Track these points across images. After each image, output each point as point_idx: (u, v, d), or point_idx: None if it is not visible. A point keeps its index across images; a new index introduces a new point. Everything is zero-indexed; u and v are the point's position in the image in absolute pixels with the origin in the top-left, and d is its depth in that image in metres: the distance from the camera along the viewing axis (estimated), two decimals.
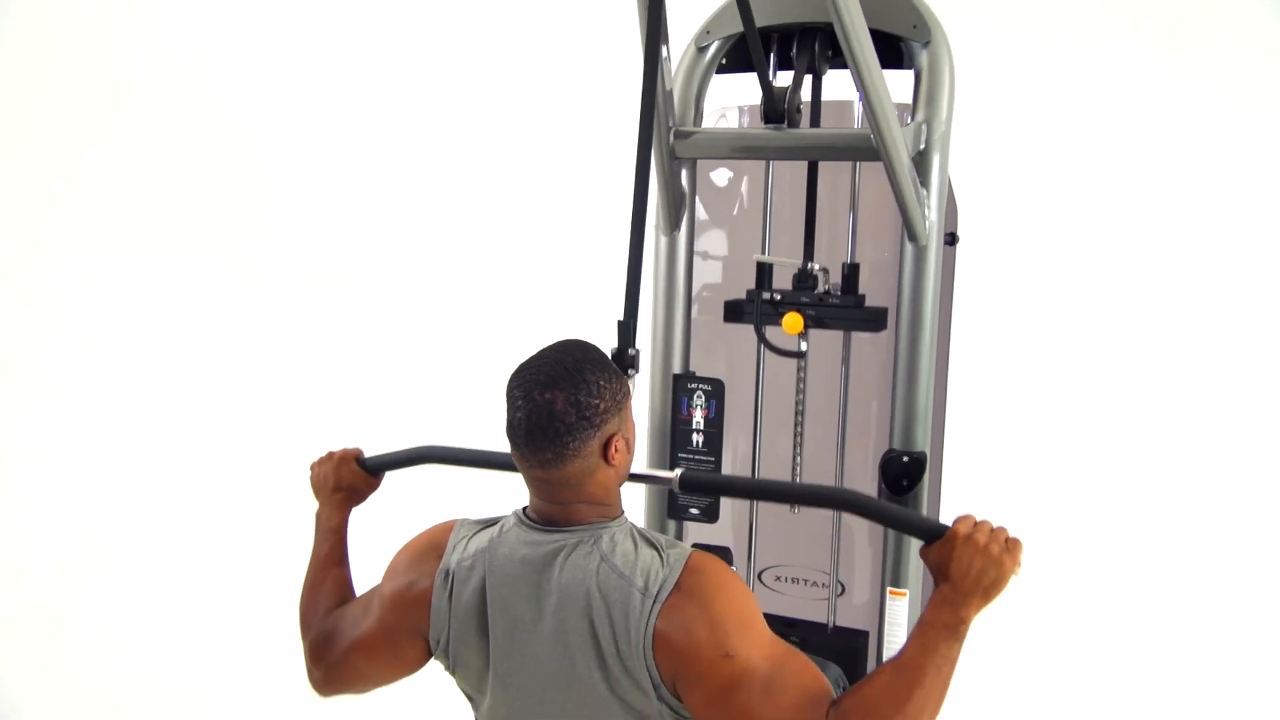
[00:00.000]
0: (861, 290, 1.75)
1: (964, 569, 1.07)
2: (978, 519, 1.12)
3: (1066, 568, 3.16)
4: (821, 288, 1.73)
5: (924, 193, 1.59)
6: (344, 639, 1.31)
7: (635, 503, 1.74)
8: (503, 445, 1.21)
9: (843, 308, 1.72)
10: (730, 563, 1.82)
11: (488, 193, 4.17)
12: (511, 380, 1.15)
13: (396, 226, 4.51)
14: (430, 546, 1.26)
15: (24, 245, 4.58)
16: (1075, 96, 3.09)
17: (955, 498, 1.79)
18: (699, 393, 1.76)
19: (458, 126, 4.18)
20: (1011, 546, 1.09)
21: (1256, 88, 3.05)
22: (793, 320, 1.69)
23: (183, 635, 3.42)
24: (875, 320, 1.72)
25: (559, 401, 1.09)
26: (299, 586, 1.43)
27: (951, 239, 1.71)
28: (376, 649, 1.28)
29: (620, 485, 1.21)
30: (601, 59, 3.12)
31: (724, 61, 1.74)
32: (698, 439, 1.77)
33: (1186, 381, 3.29)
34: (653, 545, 1.15)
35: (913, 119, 1.61)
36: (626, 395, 1.19)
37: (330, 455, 1.47)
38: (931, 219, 1.60)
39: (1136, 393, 3.27)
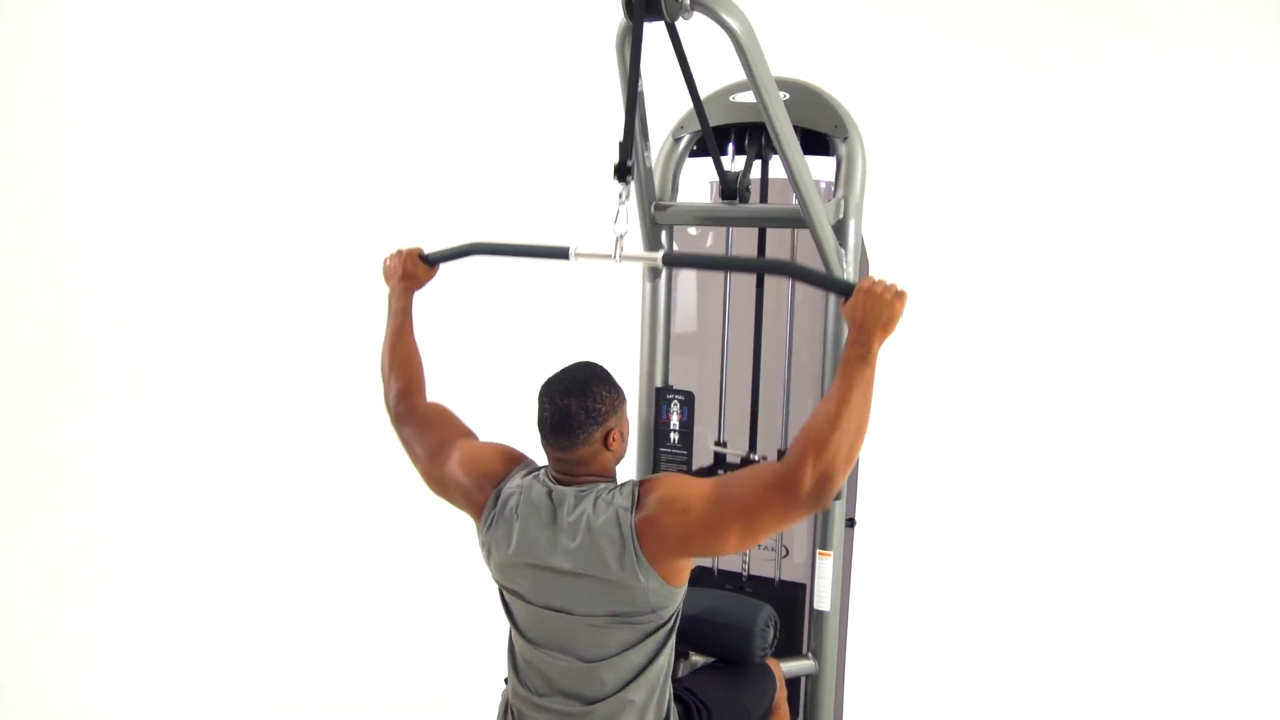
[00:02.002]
0: (796, 340, 2.28)
1: (867, 312, 1.46)
2: (875, 278, 1.51)
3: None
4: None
5: (843, 251, 2.09)
6: (415, 421, 1.83)
7: (628, 470, 2.26)
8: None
9: None
10: None
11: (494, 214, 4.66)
12: (541, 389, 1.65)
13: (399, 234, 4.89)
14: (502, 465, 1.72)
15: (26, 249, 4.64)
16: (958, 175, 4.07)
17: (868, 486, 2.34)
18: (675, 402, 2.28)
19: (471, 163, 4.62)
20: (899, 294, 1.47)
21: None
22: None
23: (182, 637, 3.41)
24: None
25: (573, 406, 1.59)
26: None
27: None
28: (439, 472, 1.76)
29: (617, 465, 1.70)
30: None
31: (695, 149, 2.26)
32: (674, 437, 2.29)
33: (1072, 404, 4.12)
34: (625, 485, 1.61)
35: (835, 195, 2.12)
36: (623, 401, 1.68)
37: (399, 251, 1.93)
38: (849, 270, 2.10)
39: (1020, 396, 4.13)
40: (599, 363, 1.70)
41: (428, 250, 1.94)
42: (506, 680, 1.78)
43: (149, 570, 3.80)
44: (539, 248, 1.80)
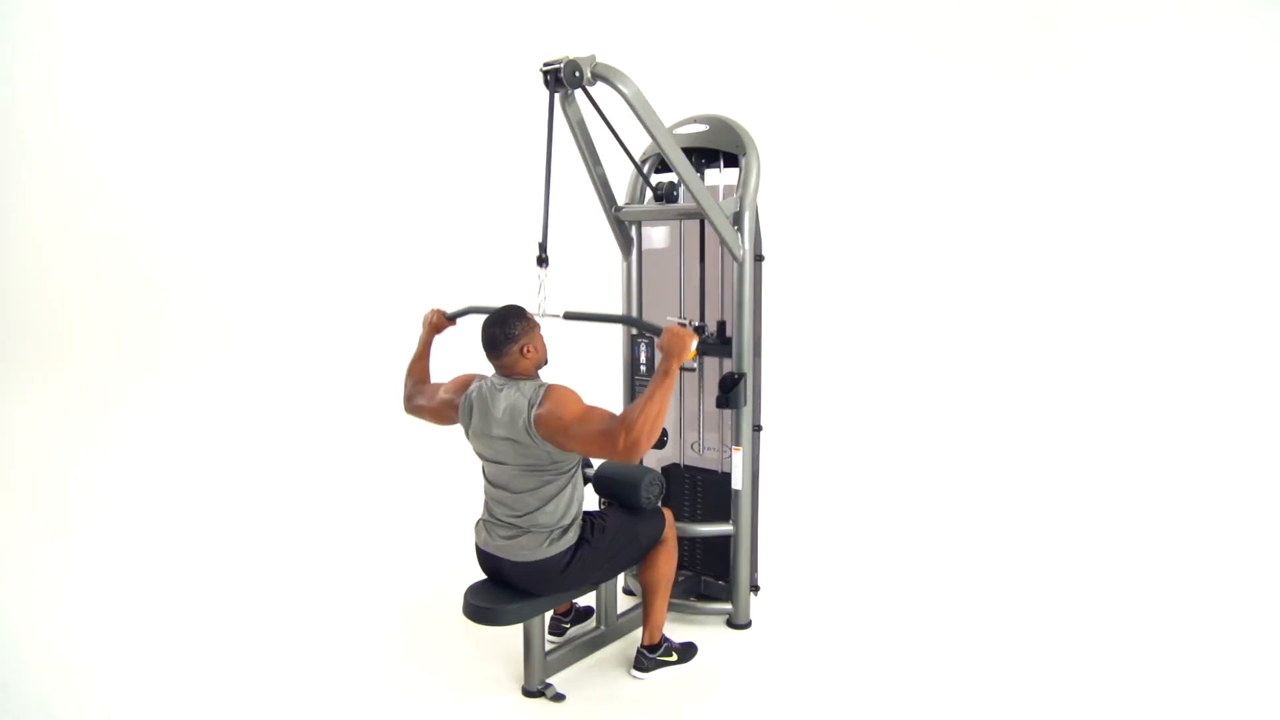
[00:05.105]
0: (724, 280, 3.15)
1: (669, 344, 2.38)
2: (676, 323, 2.44)
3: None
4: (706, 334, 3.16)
5: (740, 234, 2.95)
6: (420, 400, 2.85)
7: (614, 391, 3.23)
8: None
9: (716, 343, 3.12)
10: (665, 437, 3.27)
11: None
12: (483, 323, 2.60)
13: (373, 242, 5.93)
14: (465, 383, 2.66)
15: (29, 253, 5.33)
16: (838, 169, 5.42)
17: (770, 401, 3.14)
18: (643, 345, 3.25)
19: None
20: (690, 334, 2.39)
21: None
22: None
23: (183, 637, 3.21)
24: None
25: (497, 332, 2.54)
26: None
27: (759, 258, 3.04)
28: (435, 412, 2.74)
29: (537, 370, 2.62)
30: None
31: (658, 167, 3.21)
32: (643, 368, 3.26)
33: (967, 365, 5.24)
34: (539, 385, 2.50)
35: (735, 194, 2.98)
36: (534, 327, 2.59)
37: (433, 309, 2.98)
38: (745, 248, 2.96)
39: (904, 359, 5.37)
40: (518, 304, 2.58)
41: (449, 311, 3.00)
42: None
43: (152, 569, 3.82)
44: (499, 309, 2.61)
